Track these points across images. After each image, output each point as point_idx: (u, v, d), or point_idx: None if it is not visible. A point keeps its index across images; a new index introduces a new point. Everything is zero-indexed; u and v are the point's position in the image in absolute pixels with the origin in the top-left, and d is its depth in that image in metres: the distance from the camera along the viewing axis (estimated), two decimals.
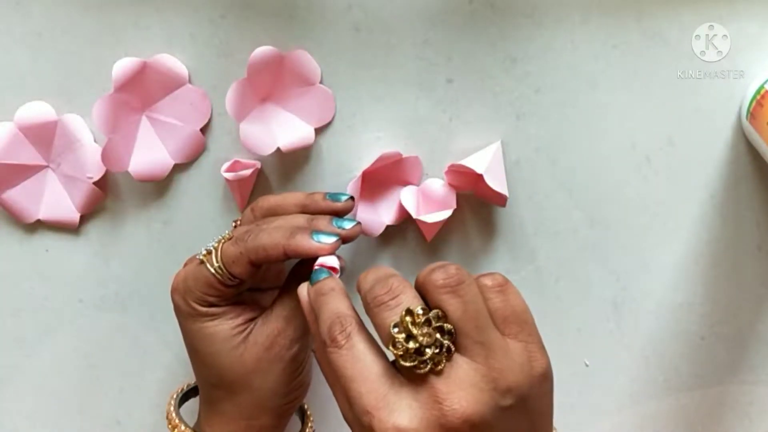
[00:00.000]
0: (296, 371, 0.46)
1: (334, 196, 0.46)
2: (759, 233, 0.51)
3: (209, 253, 0.45)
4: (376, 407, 0.35)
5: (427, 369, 0.35)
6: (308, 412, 0.51)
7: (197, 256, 0.45)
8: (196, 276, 0.45)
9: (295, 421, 0.50)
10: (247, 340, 0.45)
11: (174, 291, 0.46)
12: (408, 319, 0.36)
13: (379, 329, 0.37)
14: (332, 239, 0.43)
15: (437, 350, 0.36)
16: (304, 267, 0.46)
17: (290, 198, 0.47)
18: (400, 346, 0.36)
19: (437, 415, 0.35)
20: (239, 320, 0.45)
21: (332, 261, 0.42)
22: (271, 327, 0.45)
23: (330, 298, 0.40)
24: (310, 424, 0.50)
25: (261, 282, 0.49)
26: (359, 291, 0.39)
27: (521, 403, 0.36)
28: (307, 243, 0.42)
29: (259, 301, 0.48)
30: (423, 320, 0.36)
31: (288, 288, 0.46)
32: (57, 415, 0.56)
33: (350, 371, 0.36)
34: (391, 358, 0.37)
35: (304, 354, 0.46)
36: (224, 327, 0.45)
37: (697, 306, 0.52)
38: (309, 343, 0.46)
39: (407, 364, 0.36)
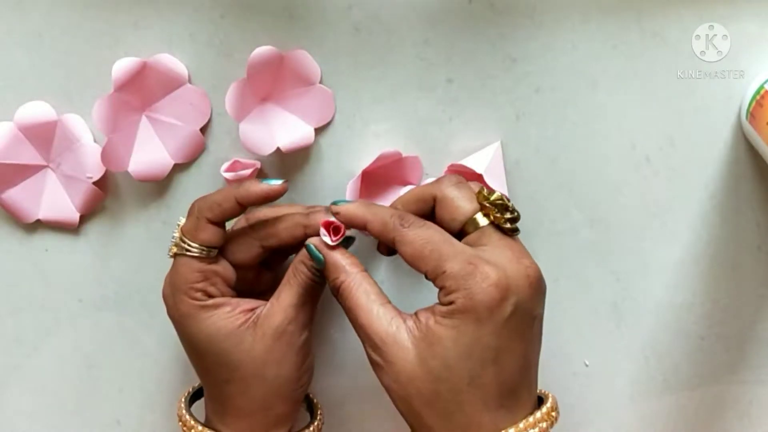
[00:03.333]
0: (307, 355, 0.46)
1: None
2: (759, 233, 0.51)
3: (175, 245, 0.45)
4: (475, 256, 0.40)
5: (515, 226, 0.42)
6: (317, 404, 0.51)
7: (168, 256, 0.46)
8: (174, 271, 0.45)
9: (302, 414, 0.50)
10: (254, 332, 0.44)
11: (165, 300, 0.46)
12: (488, 193, 0.42)
13: (462, 201, 0.43)
14: (279, 181, 0.45)
15: (516, 214, 0.42)
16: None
17: (286, 211, 0.47)
18: (490, 205, 0.42)
19: (522, 269, 0.40)
20: (237, 311, 0.45)
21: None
22: (280, 317, 0.44)
23: (373, 206, 0.44)
24: (319, 414, 0.50)
25: (256, 285, 0.49)
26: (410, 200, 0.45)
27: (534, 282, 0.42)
28: (257, 186, 0.44)
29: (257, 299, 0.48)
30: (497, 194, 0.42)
31: (291, 278, 0.45)
32: (57, 415, 0.56)
33: (437, 237, 0.41)
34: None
35: (311, 337, 0.47)
36: (225, 321, 0.44)
37: (697, 306, 0.52)
38: (313, 324, 0.47)
39: (503, 215, 0.42)
